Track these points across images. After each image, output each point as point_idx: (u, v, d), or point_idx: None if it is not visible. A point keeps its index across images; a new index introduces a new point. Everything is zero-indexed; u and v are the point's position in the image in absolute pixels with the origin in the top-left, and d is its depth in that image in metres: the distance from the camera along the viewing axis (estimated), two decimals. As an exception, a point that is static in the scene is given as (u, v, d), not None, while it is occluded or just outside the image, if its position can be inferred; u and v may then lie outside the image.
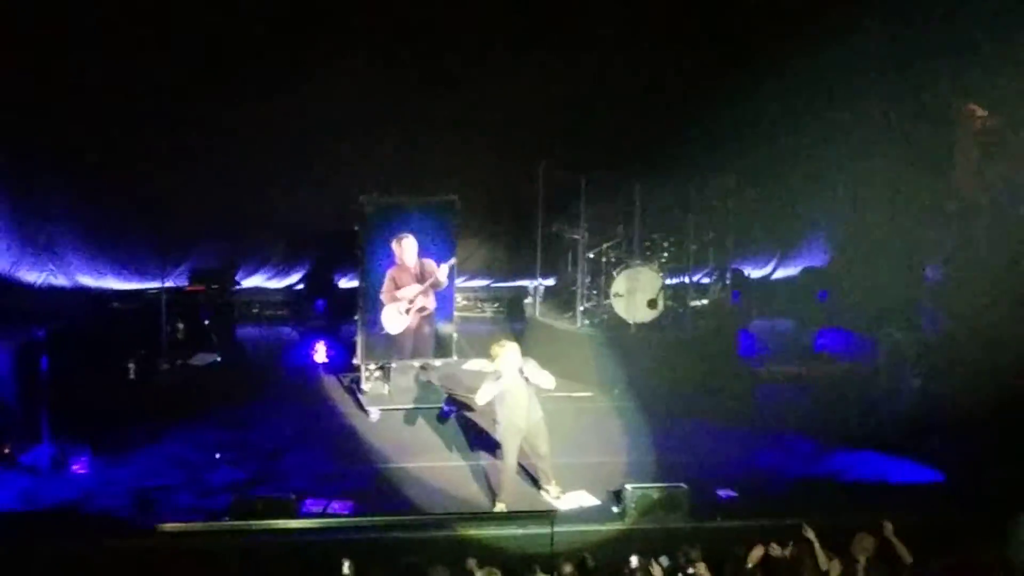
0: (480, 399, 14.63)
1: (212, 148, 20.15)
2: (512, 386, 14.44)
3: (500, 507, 14.66)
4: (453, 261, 17.79)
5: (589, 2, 20.79)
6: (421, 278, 17.57)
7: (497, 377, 14.44)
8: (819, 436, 17.05)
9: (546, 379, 14.56)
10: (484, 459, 15.73)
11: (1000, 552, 13.08)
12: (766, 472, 15.93)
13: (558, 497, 14.87)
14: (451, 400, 17.35)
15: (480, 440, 16.20)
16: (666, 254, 19.86)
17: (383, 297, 17.57)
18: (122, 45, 19.07)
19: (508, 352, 14.49)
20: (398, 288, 17.56)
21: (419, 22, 20.36)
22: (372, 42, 20.25)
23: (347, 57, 20.10)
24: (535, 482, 15.13)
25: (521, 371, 14.43)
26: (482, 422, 16.32)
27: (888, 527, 12.54)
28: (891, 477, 15.87)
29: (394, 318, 17.67)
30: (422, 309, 17.84)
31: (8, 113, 18.70)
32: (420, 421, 17.27)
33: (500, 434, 14.82)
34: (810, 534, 12.46)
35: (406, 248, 17.45)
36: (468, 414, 16.65)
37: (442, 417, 17.26)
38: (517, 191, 21.00)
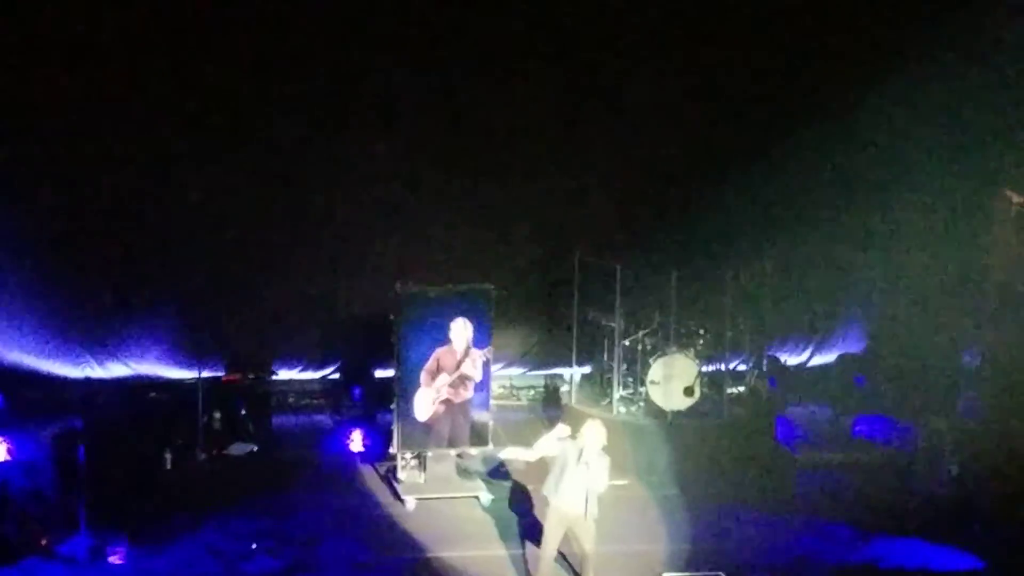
0: (504, 455, 14.52)
1: (247, 239, 20.26)
2: (576, 466, 13.99)
3: None
4: (488, 352, 17.77)
5: (627, 90, 20.90)
6: (462, 365, 17.58)
7: (572, 447, 14.06)
8: (858, 523, 16.93)
9: (604, 477, 14.11)
10: (522, 549, 15.64)
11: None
12: (805, 560, 15.81)
13: None
14: (488, 490, 17.39)
15: (519, 529, 16.14)
16: (702, 341, 19.82)
17: (422, 376, 17.56)
18: (161, 145, 19.28)
19: (597, 429, 14.05)
20: (439, 369, 17.56)
21: (453, 109, 20.50)
22: (407, 130, 20.37)
23: (384, 146, 20.21)
24: (575, 573, 14.93)
25: (597, 459, 13.96)
26: (518, 510, 16.31)
27: None
28: (932, 564, 15.74)
29: (424, 404, 17.66)
30: (447, 400, 17.77)
31: (42, 204, 18.91)
32: (457, 511, 17.23)
33: (547, 516, 14.46)
34: None
35: (459, 331, 17.49)
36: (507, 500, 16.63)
37: (481, 505, 17.24)
38: (553, 279, 21.03)
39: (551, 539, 14.36)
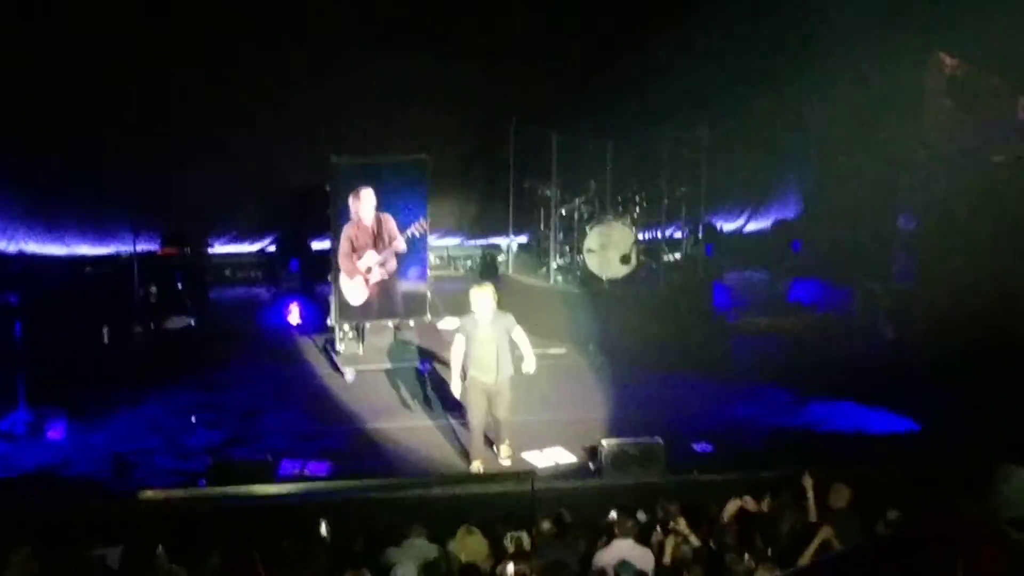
0: (442, 325, 14.66)
1: (182, 111, 20.06)
2: (482, 334, 14.39)
3: (476, 465, 14.72)
4: (424, 223, 17.66)
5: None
6: (378, 235, 17.39)
7: (469, 320, 14.47)
8: (794, 387, 17.12)
9: (530, 356, 14.64)
10: (461, 419, 15.71)
11: (978, 503, 13.14)
12: (742, 425, 16.00)
13: (507, 459, 14.91)
14: (426, 359, 17.44)
15: (457, 400, 16.25)
16: (638, 209, 19.84)
17: (341, 261, 17.37)
18: (87, 17, 18.99)
19: (483, 294, 14.42)
20: (355, 250, 17.34)
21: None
22: (340, 4, 20.16)
23: (317, 17, 20.01)
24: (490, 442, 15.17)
25: (495, 320, 14.41)
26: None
27: (808, 480, 12.33)
28: (868, 427, 15.95)
29: (353, 290, 17.56)
30: (381, 278, 17.68)
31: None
32: (396, 381, 17.30)
33: (464, 391, 14.79)
34: (808, 483, 12.26)
35: (363, 200, 17.20)
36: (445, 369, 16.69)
37: (419, 375, 17.33)
38: (489, 149, 20.97)
39: (475, 410, 14.66)
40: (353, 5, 20.17)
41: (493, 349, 14.39)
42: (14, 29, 18.62)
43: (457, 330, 14.71)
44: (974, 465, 12.69)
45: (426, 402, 16.61)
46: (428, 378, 17.25)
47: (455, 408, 15.92)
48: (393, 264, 17.57)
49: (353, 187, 17.15)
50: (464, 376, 14.67)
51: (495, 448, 15.01)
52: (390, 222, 17.36)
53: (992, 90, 17.99)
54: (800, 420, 16.20)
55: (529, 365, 14.68)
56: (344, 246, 17.27)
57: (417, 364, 17.50)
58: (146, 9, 19.24)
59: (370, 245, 17.30)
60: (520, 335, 14.59)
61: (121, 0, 19.20)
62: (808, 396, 16.76)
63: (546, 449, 14.89)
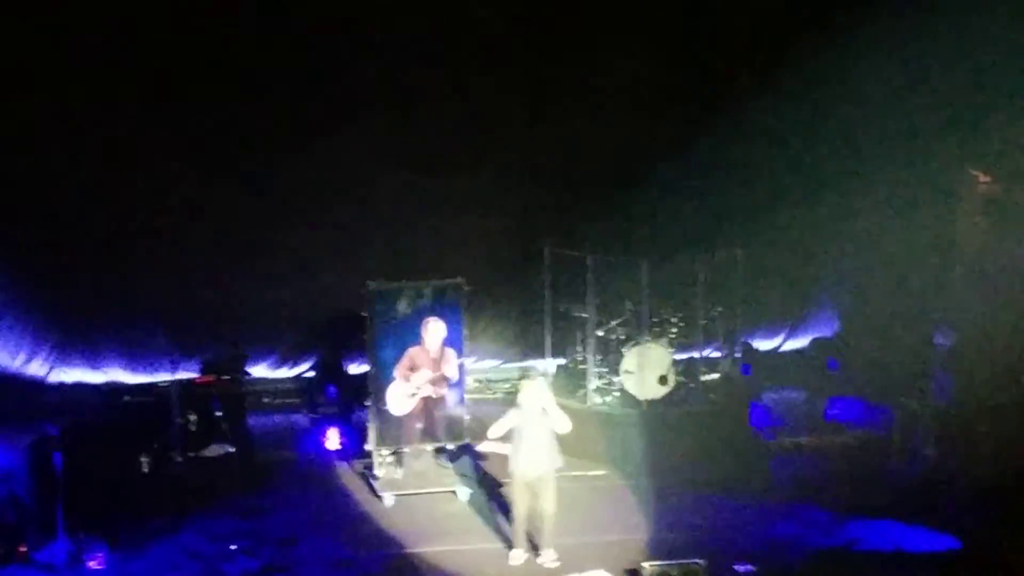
0: (493, 432, 14.81)
1: (217, 238, 20.22)
2: (530, 427, 14.73)
3: (516, 553, 15.03)
4: (464, 359, 17.84)
5: (592, 81, 20.90)
6: (439, 364, 17.58)
7: (517, 414, 14.79)
8: (833, 506, 17.00)
9: (563, 419, 14.83)
10: (500, 542, 15.67)
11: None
12: (783, 544, 15.87)
13: (554, 563, 14.96)
14: (465, 483, 17.45)
15: (496, 523, 16.18)
16: (675, 330, 19.87)
17: (396, 372, 17.57)
18: (127, 131, 19.21)
19: (534, 387, 14.81)
20: (413, 369, 17.58)
21: (422, 106, 20.49)
22: (379, 127, 20.33)
23: (351, 143, 20.18)
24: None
25: (543, 412, 14.70)
26: (496, 504, 16.42)
27: None
28: (907, 545, 15.81)
29: (399, 399, 17.66)
30: (426, 397, 17.79)
31: (13, 211, 18.84)
32: (436, 506, 17.26)
33: (512, 484, 15.11)
34: None
35: (432, 332, 17.50)
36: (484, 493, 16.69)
37: (458, 499, 17.31)
38: (524, 272, 21.05)
39: (520, 504, 14.95)
40: (385, 131, 20.35)
41: (543, 441, 14.73)
42: (56, 155, 18.88)
43: (510, 419, 14.96)
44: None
45: (465, 527, 16.54)
46: (468, 503, 17.20)
47: (496, 532, 15.90)
48: (443, 390, 17.76)
49: (389, 311, 17.34)
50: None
51: (539, 552, 15.06)
52: (451, 355, 17.64)
53: (1024, 206, 18.04)
54: (840, 539, 16.06)
55: (565, 424, 14.85)
56: (404, 361, 17.50)
57: (457, 488, 17.45)
58: (181, 133, 19.45)
59: (428, 367, 17.45)
60: (551, 403, 14.87)
61: (159, 136, 19.40)
62: (847, 515, 16.63)
63: (587, 572, 14.78)
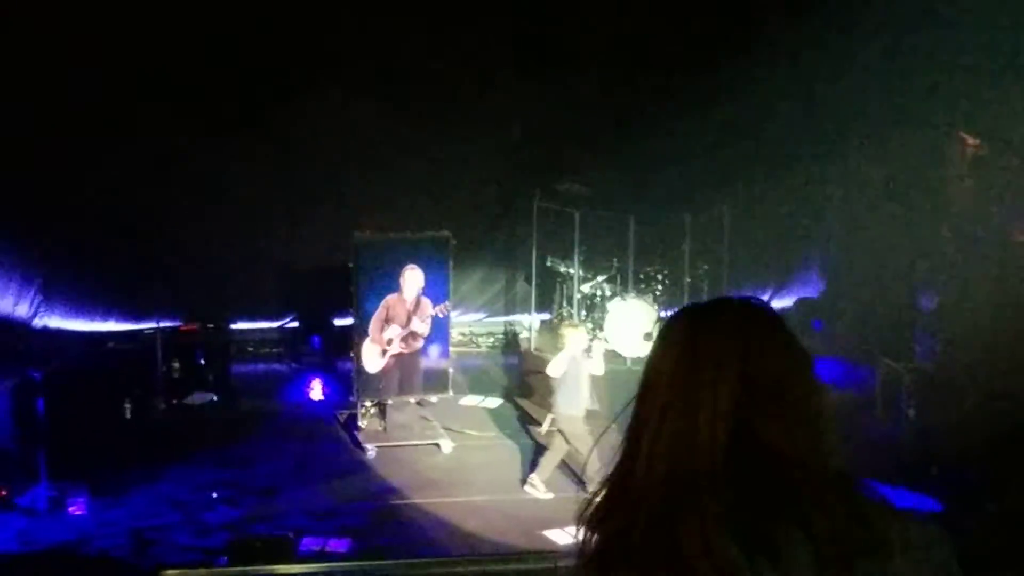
0: (552, 370, 15.05)
1: (203, 187, 20.19)
2: (576, 369, 15.19)
3: (537, 481, 15.40)
4: (447, 304, 17.78)
5: (583, 34, 20.85)
6: (413, 314, 17.53)
7: (566, 359, 15.18)
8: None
9: (602, 363, 15.48)
10: (484, 495, 15.71)
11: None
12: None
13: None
14: (448, 436, 17.48)
15: (479, 476, 16.21)
16: (660, 287, 19.89)
17: (371, 325, 17.53)
18: (111, 82, 19.11)
19: (580, 332, 15.54)
20: (388, 319, 17.51)
21: (411, 57, 20.43)
22: (363, 78, 20.29)
23: (337, 93, 20.14)
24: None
25: (585, 354, 15.27)
26: (479, 458, 16.42)
27: None
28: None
29: (372, 356, 17.65)
30: (398, 353, 17.78)
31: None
32: (418, 458, 17.27)
33: (558, 422, 15.40)
34: None
35: (409, 280, 17.47)
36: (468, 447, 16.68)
37: (441, 451, 17.32)
38: (511, 226, 21.05)
39: (561, 443, 15.43)
40: (374, 81, 20.31)
41: (586, 383, 15.30)
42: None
43: (553, 364, 15.34)
44: (995, 545, 12.64)
45: (448, 480, 16.56)
46: (450, 456, 17.23)
47: (478, 486, 15.93)
48: (416, 343, 17.64)
49: (375, 263, 17.29)
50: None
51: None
52: (427, 306, 17.52)
53: (1014, 169, 18.00)
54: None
55: (600, 369, 15.50)
56: (379, 311, 17.42)
57: (440, 442, 17.46)
58: (170, 80, 19.38)
59: (402, 320, 17.41)
60: (599, 350, 15.61)
61: (146, 71, 19.32)
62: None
63: (569, 528, 14.78)
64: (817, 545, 3.49)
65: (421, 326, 17.58)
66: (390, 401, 17.96)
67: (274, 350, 22.06)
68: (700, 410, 3.54)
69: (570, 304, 19.88)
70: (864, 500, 3.72)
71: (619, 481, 3.67)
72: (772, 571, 3.44)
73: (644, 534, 3.49)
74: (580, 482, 15.17)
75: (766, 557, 3.43)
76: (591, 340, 15.95)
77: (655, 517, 3.49)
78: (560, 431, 15.43)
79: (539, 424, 16.06)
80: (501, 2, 20.72)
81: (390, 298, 17.49)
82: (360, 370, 17.66)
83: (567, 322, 15.92)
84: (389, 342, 17.47)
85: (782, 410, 3.65)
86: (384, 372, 17.64)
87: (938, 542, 3.82)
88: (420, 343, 17.70)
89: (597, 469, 14.87)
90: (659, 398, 3.71)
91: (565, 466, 15.75)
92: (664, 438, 3.58)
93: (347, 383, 18.36)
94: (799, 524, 3.49)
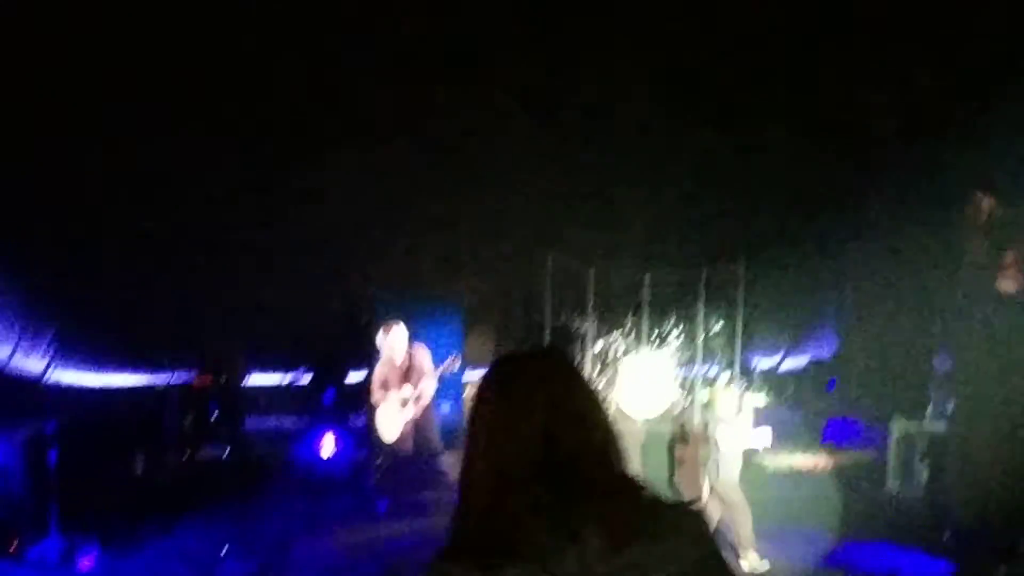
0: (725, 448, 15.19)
1: (220, 243, 20.23)
2: (726, 433, 15.17)
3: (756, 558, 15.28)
4: (454, 359, 17.60)
5: (592, 91, 20.91)
6: (409, 371, 17.29)
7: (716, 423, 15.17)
8: (828, 528, 16.99)
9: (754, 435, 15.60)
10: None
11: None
12: (775, 566, 15.85)
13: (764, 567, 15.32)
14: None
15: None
16: (674, 345, 19.87)
17: (374, 398, 17.34)
18: (126, 134, 19.20)
19: (730, 393, 15.49)
20: (385, 387, 17.33)
21: (426, 117, 20.49)
22: (380, 136, 20.34)
23: (356, 152, 20.19)
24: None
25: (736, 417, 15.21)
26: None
27: None
28: (902, 569, 15.78)
29: (388, 426, 17.33)
30: (415, 411, 17.37)
31: (11, 204, 18.82)
32: (434, 513, 17.23)
33: (724, 484, 15.38)
34: None
35: (394, 337, 17.09)
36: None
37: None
38: (526, 284, 21.05)
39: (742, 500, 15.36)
40: (391, 140, 20.37)
41: (736, 448, 15.24)
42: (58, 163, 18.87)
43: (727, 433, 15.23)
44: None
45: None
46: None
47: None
48: (426, 400, 17.44)
49: (387, 319, 17.20)
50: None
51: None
52: (422, 354, 17.25)
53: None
54: (834, 561, 16.03)
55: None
56: (376, 385, 17.25)
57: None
58: (188, 131, 19.45)
59: (400, 382, 17.19)
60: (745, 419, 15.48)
61: (171, 116, 19.42)
62: (842, 536, 16.62)
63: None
64: (608, 529, 4.66)
65: (426, 386, 17.36)
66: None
67: (287, 405, 22.01)
68: (516, 431, 4.70)
69: (583, 361, 19.86)
70: (644, 495, 4.98)
71: (460, 484, 4.86)
72: (571, 550, 4.58)
73: (476, 524, 4.75)
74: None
75: (567, 539, 4.58)
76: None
77: (484, 511, 4.73)
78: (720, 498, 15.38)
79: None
80: (511, 61, 20.79)
81: (378, 368, 17.29)
82: (377, 436, 17.54)
83: (721, 385, 15.91)
84: (403, 404, 17.27)
85: (581, 430, 4.77)
86: (402, 438, 17.47)
87: (702, 529, 5.10)
88: (428, 401, 17.50)
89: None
90: (486, 422, 4.83)
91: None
92: (490, 451, 4.74)
93: (359, 438, 18.34)
94: (594, 513, 4.67)
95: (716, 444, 15.14)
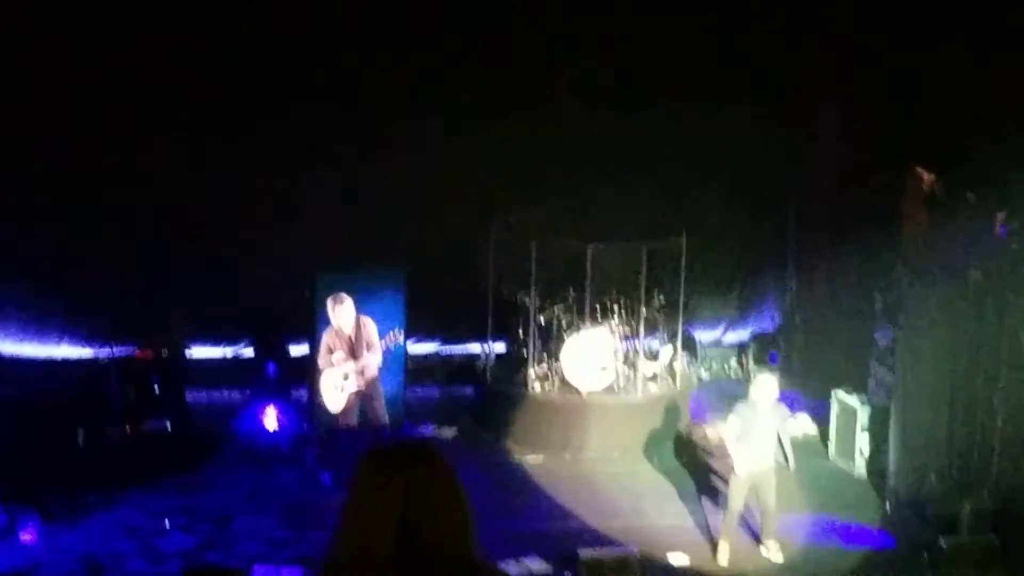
0: (730, 436, 14.88)
1: (161, 215, 20.10)
2: (760, 421, 14.65)
3: (724, 547, 15.08)
4: (396, 333, 17.46)
5: (539, 65, 20.90)
6: (357, 342, 17.18)
7: (745, 408, 14.76)
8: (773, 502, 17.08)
9: (790, 451, 15.96)
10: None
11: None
12: (717, 535, 15.92)
13: (779, 553, 15.12)
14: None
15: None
16: (617, 318, 19.87)
17: (320, 362, 17.27)
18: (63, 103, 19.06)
19: (771, 380, 14.87)
20: (331, 352, 17.23)
21: (369, 89, 20.43)
22: (319, 111, 20.26)
23: (296, 126, 20.10)
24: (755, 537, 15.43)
25: (774, 408, 14.79)
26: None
27: None
28: (844, 541, 15.88)
29: (331, 393, 17.15)
30: (357, 390, 17.14)
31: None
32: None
33: (734, 481, 15.02)
34: None
35: (344, 308, 16.88)
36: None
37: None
38: (468, 256, 21.00)
39: (738, 497, 14.96)
40: (330, 114, 20.29)
41: (771, 436, 14.82)
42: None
43: (733, 413, 14.89)
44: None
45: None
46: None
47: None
48: (372, 372, 17.35)
49: (331, 293, 17.09)
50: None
51: (763, 544, 15.19)
52: (370, 328, 17.15)
53: (969, 205, 18.09)
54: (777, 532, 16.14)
55: (792, 461, 15.55)
56: (322, 351, 17.15)
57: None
58: (133, 115, 19.32)
59: (348, 352, 17.10)
60: (787, 430, 15.48)
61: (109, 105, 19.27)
62: (784, 509, 16.69)
63: (521, 559, 14.79)
64: None
65: (371, 358, 17.31)
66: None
67: (230, 377, 21.90)
68: (373, 517, 5.05)
69: (526, 334, 19.84)
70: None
71: (325, 564, 5.25)
72: None
73: None
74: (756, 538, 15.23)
75: None
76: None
77: None
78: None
79: (498, 455, 15.83)
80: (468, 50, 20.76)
81: (326, 334, 17.17)
82: (320, 405, 17.45)
83: (760, 375, 15.49)
84: (346, 377, 17.13)
85: (439, 520, 5.00)
86: (346, 410, 17.34)
87: None
88: (374, 374, 17.39)
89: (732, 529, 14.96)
90: (347, 508, 5.20)
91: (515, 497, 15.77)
92: (351, 536, 5.12)
93: (302, 411, 18.30)
94: None
95: (761, 431, 14.80)
